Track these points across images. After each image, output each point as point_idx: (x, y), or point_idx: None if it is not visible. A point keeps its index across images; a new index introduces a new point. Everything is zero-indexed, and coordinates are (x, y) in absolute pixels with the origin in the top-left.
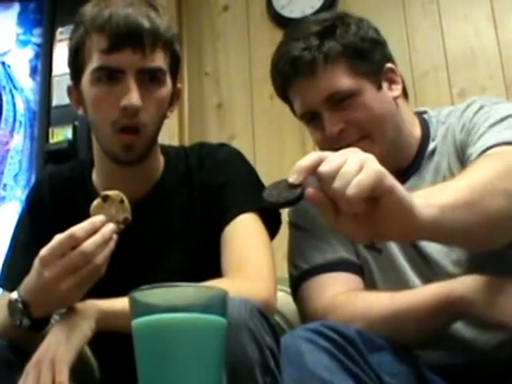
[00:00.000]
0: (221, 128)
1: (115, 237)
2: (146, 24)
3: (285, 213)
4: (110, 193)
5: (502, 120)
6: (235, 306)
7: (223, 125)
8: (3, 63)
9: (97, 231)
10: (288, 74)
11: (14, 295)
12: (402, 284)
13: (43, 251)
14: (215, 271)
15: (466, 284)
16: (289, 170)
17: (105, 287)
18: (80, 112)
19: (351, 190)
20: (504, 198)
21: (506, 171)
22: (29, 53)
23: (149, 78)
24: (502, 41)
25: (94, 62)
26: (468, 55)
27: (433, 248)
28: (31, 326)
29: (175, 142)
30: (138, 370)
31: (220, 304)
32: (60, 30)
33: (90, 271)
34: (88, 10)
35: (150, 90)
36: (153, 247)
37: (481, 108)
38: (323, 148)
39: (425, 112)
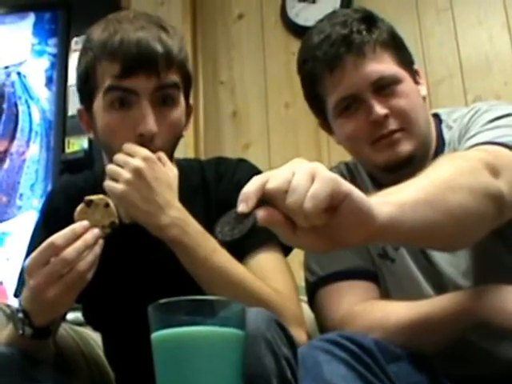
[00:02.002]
0: (236, 137)
1: (101, 242)
2: (159, 48)
3: None
4: (93, 197)
5: (493, 120)
6: (252, 317)
7: (238, 133)
8: (19, 73)
9: (79, 237)
10: (337, 53)
11: (16, 305)
12: (415, 293)
13: (27, 261)
14: None
15: (482, 293)
16: None
17: (120, 299)
18: (91, 136)
19: (308, 204)
20: (467, 194)
21: (469, 169)
22: (44, 63)
23: (163, 100)
24: None
25: (104, 86)
26: (483, 62)
27: (440, 258)
28: (34, 335)
29: (191, 151)
30: (157, 380)
31: (238, 317)
32: (75, 39)
33: (74, 278)
34: (96, 34)
35: (164, 113)
36: (169, 259)
37: (476, 112)
38: (358, 139)
39: (436, 115)
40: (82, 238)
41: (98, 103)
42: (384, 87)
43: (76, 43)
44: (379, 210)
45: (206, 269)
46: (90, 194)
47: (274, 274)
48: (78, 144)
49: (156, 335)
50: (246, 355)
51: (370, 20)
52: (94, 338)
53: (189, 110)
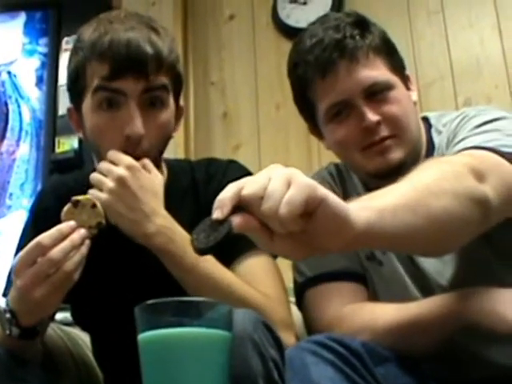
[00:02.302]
0: (226, 137)
1: (88, 242)
2: (149, 50)
3: None
4: (80, 198)
5: (481, 125)
6: (239, 319)
7: (229, 134)
8: (9, 73)
9: (66, 237)
10: (329, 58)
11: (3, 305)
12: (403, 296)
13: (14, 261)
14: None
15: (471, 296)
16: None
17: (108, 299)
18: (80, 135)
19: (283, 209)
20: (451, 199)
21: (454, 173)
22: (35, 62)
23: (151, 102)
24: (507, 50)
25: (93, 86)
26: (473, 64)
27: (426, 262)
28: (21, 335)
29: (181, 152)
30: (144, 382)
31: (225, 318)
32: (66, 39)
33: (61, 278)
34: (87, 34)
35: (152, 115)
36: (156, 260)
37: (464, 118)
38: (349, 146)
39: (426, 118)
40: (68, 238)
41: (87, 103)
42: (376, 93)
43: (67, 43)
44: (357, 215)
45: (194, 276)
46: (80, 194)
47: (262, 278)
48: (68, 144)
49: (142, 336)
50: (233, 357)
51: (362, 24)
52: (83, 338)
53: (179, 111)
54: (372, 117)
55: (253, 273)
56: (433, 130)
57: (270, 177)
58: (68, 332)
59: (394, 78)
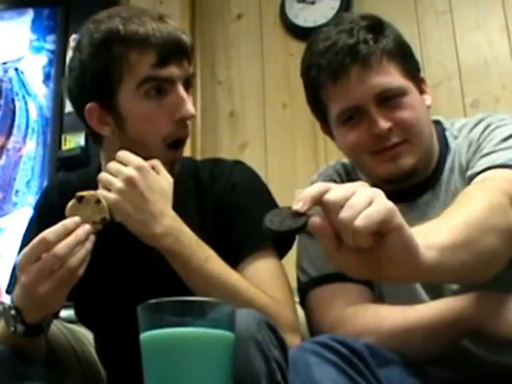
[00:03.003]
0: (233, 136)
1: (92, 238)
2: (184, 38)
3: None
4: (84, 193)
5: (507, 139)
6: (243, 319)
7: (235, 133)
8: (16, 69)
9: (71, 233)
10: (342, 63)
11: (8, 302)
12: (411, 298)
13: (19, 257)
14: None
15: (477, 300)
16: (301, 179)
17: (112, 298)
18: (105, 133)
19: (360, 221)
20: (496, 237)
21: (499, 206)
22: (42, 59)
23: (186, 88)
24: None
25: (139, 76)
26: (481, 65)
27: None
28: (26, 332)
29: (187, 150)
30: (145, 381)
31: (228, 318)
32: (74, 36)
33: (65, 274)
34: (115, 26)
35: (188, 99)
36: (161, 258)
37: (487, 127)
38: (360, 151)
39: (438, 122)
40: (73, 233)
41: (127, 94)
42: (389, 99)
43: (74, 40)
44: (424, 253)
45: (201, 277)
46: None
47: (269, 280)
48: (74, 141)
49: (145, 335)
50: (236, 357)
51: (377, 28)
52: (87, 335)
53: None
54: (383, 124)
55: (259, 275)
56: (448, 134)
57: (355, 191)
58: (72, 329)
59: (407, 84)
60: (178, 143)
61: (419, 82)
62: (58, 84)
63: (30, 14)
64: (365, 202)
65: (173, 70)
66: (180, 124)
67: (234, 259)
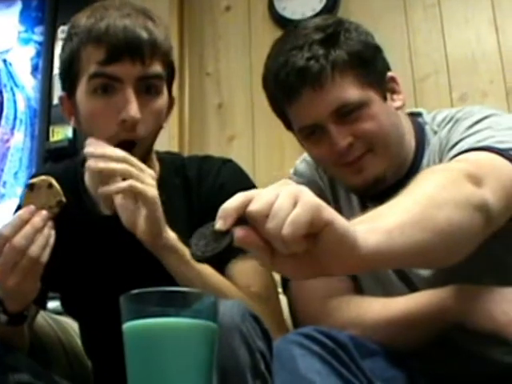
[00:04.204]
0: (221, 128)
1: (50, 224)
2: (145, 35)
3: None
4: (35, 180)
5: (472, 125)
6: (227, 310)
7: (223, 125)
8: (4, 61)
9: (27, 223)
10: (292, 86)
11: None
12: (386, 286)
13: None
14: None
15: (458, 293)
16: (288, 171)
17: (96, 287)
18: (72, 123)
19: (287, 230)
20: (453, 208)
21: (451, 181)
22: (30, 51)
23: (146, 89)
24: (503, 46)
25: (88, 72)
26: (469, 59)
27: None
28: (9, 321)
29: (175, 143)
30: (128, 372)
31: (211, 309)
32: (62, 28)
33: (28, 264)
34: (82, 20)
35: (147, 101)
36: (146, 250)
37: (456, 122)
38: (325, 164)
39: (419, 114)
40: (29, 222)
41: (82, 89)
42: (347, 114)
43: (62, 32)
44: (364, 239)
45: (199, 275)
46: (70, 183)
47: (254, 279)
48: (62, 133)
49: (127, 326)
50: (220, 347)
51: (330, 40)
52: (74, 326)
53: (170, 101)
54: (341, 141)
55: (245, 273)
56: (427, 128)
57: (278, 193)
58: (59, 321)
59: (366, 94)
60: (126, 145)
61: (383, 88)
62: (45, 75)
63: (18, 6)
64: (289, 207)
65: (121, 69)
66: (122, 126)
67: (221, 260)
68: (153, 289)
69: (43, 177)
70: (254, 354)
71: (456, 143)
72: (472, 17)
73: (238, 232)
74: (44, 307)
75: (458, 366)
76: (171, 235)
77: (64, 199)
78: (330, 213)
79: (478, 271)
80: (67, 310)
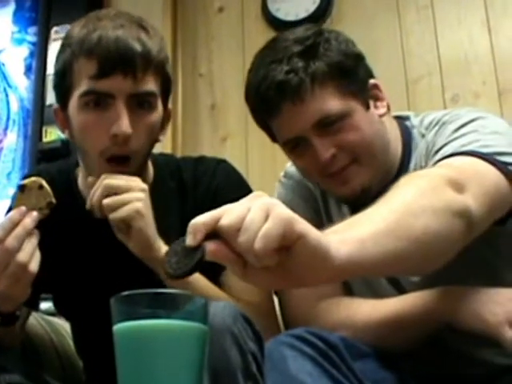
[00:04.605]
0: (214, 129)
1: (37, 232)
2: (137, 47)
3: None
4: (25, 182)
5: (458, 129)
6: (219, 311)
7: (216, 126)
8: None
9: (18, 224)
10: (272, 100)
11: None
12: (375, 289)
13: None
14: None
15: (448, 294)
16: (281, 171)
17: (88, 289)
18: (66, 135)
19: (258, 244)
20: (431, 216)
21: (431, 188)
22: (23, 51)
23: (139, 103)
24: (496, 47)
25: (81, 87)
26: (462, 61)
27: None
28: (1, 322)
29: (168, 143)
30: (118, 374)
31: (201, 311)
32: (55, 28)
33: (16, 269)
34: (75, 31)
35: (140, 116)
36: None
37: (442, 125)
38: (311, 175)
39: (407, 118)
40: (20, 223)
41: (74, 103)
42: (329, 125)
43: (56, 32)
44: (337, 250)
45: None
46: (62, 188)
47: (248, 287)
48: (55, 133)
49: (117, 327)
50: (212, 349)
51: (309, 52)
52: (66, 328)
53: (167, 114)
54: (325, 153)
55: (242, 285)
56: (415, 132)
57: (250, 207)
58: (51, 322)
59: (348, 105)
60: (119, 159)
61: (365, 96)
62: (39, 76)
63: (11, 6)
64: (260, 220)
65: (112, 84)
66: (113, 141)
67: (215, 269)
68: (143, 290)
69: (34, 178)
70: (245, 356)
71: (441, 147)
72: (465, 18)
73: (209, 246)
74: (36, 308)
75: (448, 367)
76: (163, 248)
77: (54, 200)
78: (302, 225)
79: (467, 274)
80: (59, 310)
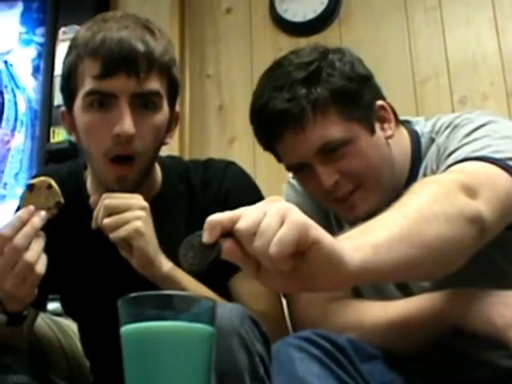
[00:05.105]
0: (221, 130)
1: (42, 234)
2: (141, 48)
3: None
4: (34, 181)
5: (470, 133)
6: (226, 313)
7: (224, 127)
8: (6, 62)
9: (27, 223)
10: (275, 128)
11: None
12: (383, 293)
13: None
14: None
15: (454, 297)
16: (288, 173)
17: (96, 290)
18: (73, 138)
19: (273, 249)
20: (443, 222)
21: (443, 193)
22: (31, 52)
23: (143, 104)
24: (503, 48)
25: (86, 87)
26: (470, 62)
27: None
28: (9, 322)
29: (175, 144)
30: (126, 375)
31: (208, 313)
32: (63, 29)
33: (23, 269)
34: (81, 33)
35: (144, 116)
36: None
37: (452, 129)
38: (318, 198)
39: (417, 123)
40: (29, 222)
41: (78, 104)
42: (332, 151)
43: (63, 33)
44: (351, 256)
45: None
46: (71, 189)
47: (260, 295)
48: (63, 134)
49: (125, 329)
50: (219, 351)
51: (313, 77)
52: (74, 329)
53: (174, 117)
54: (328, 180)
55: (251, 290)
56: (426, 137)
57: (266, 211)
58: (58, 323)
59: (351, 131)
60: (123, 159)
61: (370, 121)
62: (46, 77)
63: (19, 7)
64: (276, 225)
65: (116, 84)
66: (116, 140)
67: (224, 272)
68: (151, 292)
69: (43, 178)
70: (252, 357)
71: (453, 151)
72: (473, 19)
73: (225, 245)
74: (44, 309)
75: (456, 370)
76: (165, 265)
77: (62, 200)
78: (316, 231)
79: (476, 278)
80: (67, 311)
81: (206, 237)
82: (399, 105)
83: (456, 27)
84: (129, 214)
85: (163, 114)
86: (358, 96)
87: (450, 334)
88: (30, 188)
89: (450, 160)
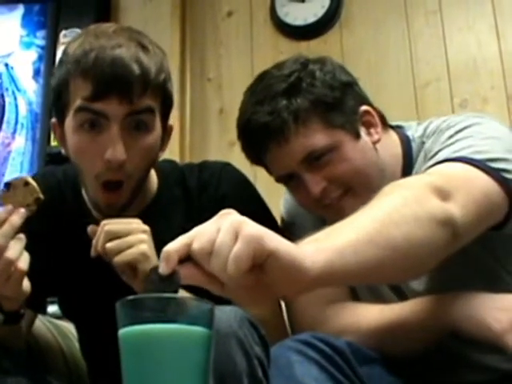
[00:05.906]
0: (222, 133)
1: (22, 236)
2: (135, 69)
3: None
4: (11, 180)
5: (453, 135)
6: (225, 315)
7: (225, 130)
8: (6, 65)
9: (5, 222)
10: (259, 142)
11: None
12: (377, 295)
13: None
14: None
15: (452, 300)
16: None
17: (93, 292)
18: (63, 152)
19: (231, 267)
20: (413, 224)
21: (414, 196)
22: (32, 55)
23: (135, 125)
24: (504, 52)
25: (76, 105)
26: (470, 66)
27: None
28: (6, 320)
29: (176, 147)
30: (123, 378)
31: (207, 315)
32: (64, 32)
33: (6, 267)
34: (72, 48)
35: (136, 139)
36: None
37: (440, 132)
38: (307, 207)
39: (409, 128)
40: (7, 221)
41: (69, 122)
42: (317, 158)
43: (64, 36)
44: (312, 260)
45: None
46: (70, 188)
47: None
48: None
49: (123, 331)
50: (218, 353)
51: (293, 88)
52: (73, 331)
53: (167, 131)
54: (315, 188)
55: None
56: (416, 142)
57: (219, 227)
58: (58, 325)
59: (334, 137)
60: (113, 185)
61: (354, 126)
62: (47, 80)
63: (20, 10)
64: (230, 241)
65: (109, 105)
66: (107, 166)
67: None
68: (148, 295)
69: (19, 176)
70: (251, 360)
71: (435, 153)
72: (473, 23)
73: (183, 272)
74: (43, 312)
75: (454, 373)
76: None
77: (42, 196)
78: (271, 242)
79: (469, 281)
80: (65, 313)
81: (163, 268)
82: (399, 109)
83: (456, 31)
84: (132, 238)
85: (155, 134)
86: (340, 103)
87: (449, 338)
88: (7, 187)
89: (431, 161)
